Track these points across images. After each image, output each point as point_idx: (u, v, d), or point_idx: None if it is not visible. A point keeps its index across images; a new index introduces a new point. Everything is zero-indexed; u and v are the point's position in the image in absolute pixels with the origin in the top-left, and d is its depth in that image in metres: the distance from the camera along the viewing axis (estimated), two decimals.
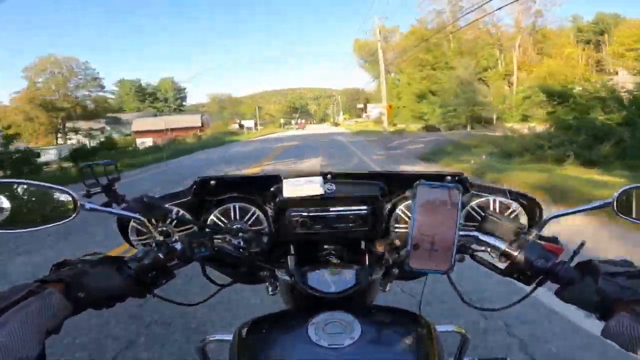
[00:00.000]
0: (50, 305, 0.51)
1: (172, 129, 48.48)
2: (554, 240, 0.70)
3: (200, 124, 54.40)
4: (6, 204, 0.65)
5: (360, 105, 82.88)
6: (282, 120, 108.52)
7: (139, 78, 76.25)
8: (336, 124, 77.75)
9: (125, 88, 68.94)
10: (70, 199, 0.66)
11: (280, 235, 0.92)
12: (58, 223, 0.66)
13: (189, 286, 1.99)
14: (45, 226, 0.66)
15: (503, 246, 0.71)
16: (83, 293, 0.58)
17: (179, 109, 72.28)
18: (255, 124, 78.00)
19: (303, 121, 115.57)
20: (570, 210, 0.72)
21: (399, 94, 43.45)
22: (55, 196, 0.67)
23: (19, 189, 0.67)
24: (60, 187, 0.67)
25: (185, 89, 76.49)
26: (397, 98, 42.60)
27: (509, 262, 0.70)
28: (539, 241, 0.70)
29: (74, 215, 0.66)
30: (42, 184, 0.67)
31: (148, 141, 40.21)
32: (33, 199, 0.68)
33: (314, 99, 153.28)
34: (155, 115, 60.51)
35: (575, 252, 0.65)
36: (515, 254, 0.69)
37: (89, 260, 0.63)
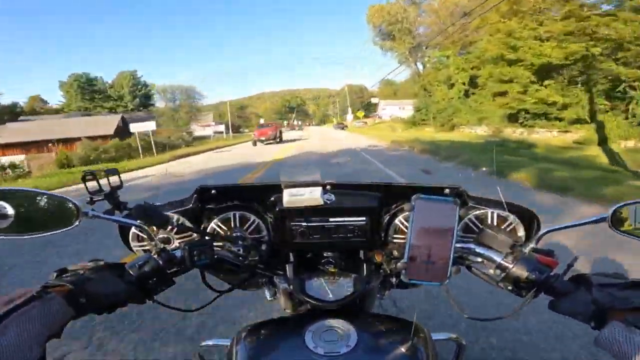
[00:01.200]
0: (51, 310, 0.52)
1: (66, 139, 30.99)
2: (549, 253, 0.71)
3: (114, 129, 33.41)
4: (10, 210, 0.65)
5: (376, 100, 73.78)
6: (285, 123, 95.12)
7: (87, 72, 59.62)
8: (342, 126, 63.50)
9: (71, 85, 54.07)
10: (73, 206, 0.67)
11: (280, 244, 0.93)
12: (60, 230, 0.67)
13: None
14: (48, 233, 0.67)
15: (499, 259, 0.72)
16: (84, 298, 0.59)
17: (140, 109, 54.28)
18: (228, 128, 55.21)
19: (299, 122, 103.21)
20: (565, 225, 0.73)
21: (448, 79, 31.26)
22: (58, 204, 0.68)
23: (22, 197, 0.68)
24: (62, 196, 0.68)
25: (147, 86, 57.87)
26: (447, 85, 31.32)
27: (504, 274, 0.70)
28: (534, 254, 0.70)
29: (76, 223, 0.67)
30: (45, 192, 0.68)
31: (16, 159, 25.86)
32: (36, 206, 0.69)
33: (312, 99, 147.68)
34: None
35: (570, 265, 0.66)
36: (511, 266, 0.69)
37: (90, 267, 0.64)
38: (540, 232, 0.75)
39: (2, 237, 0.66)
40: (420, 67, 42.43)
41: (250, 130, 68.49)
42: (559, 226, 0.73)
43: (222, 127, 55.69)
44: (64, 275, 0.62)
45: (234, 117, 70.02)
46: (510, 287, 0.71)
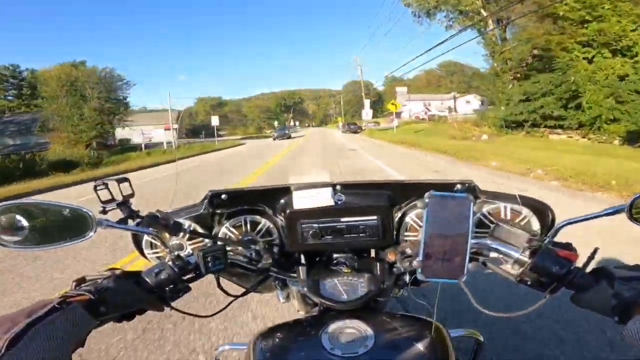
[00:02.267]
0: (74, 320, 0.53)
1: None
2: (568, 246, 0.70)
3: None
4: (25, 223, 0.66)
5: (403, 89, 58.00)
6: (275, 124, 77.13)
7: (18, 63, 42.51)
8: (355, 127, 43.86)
9: None
10: (87, 217, 0.67)
11: (292, 246, 0.93)
12: (76, 241, 0.68)
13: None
14: (64, 244, 0.68)
15: (516, 254, 0.71)
16: (105, 307, 0.59)
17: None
18: (178, 131, 41.06)
19: (295, 123, 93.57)
20: (583, 217, 0.71)
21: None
22: (72, 215, 0.69)
23: (37, 209, 0.69)
24: (77, 207, 0.68)
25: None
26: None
27: (522, 269, 0.70)
28: (553, 248, 0.69)
29: (91, 234, 0.67)
30: (60, 203, 0.68)
31: None
32: (51, 218, 0.69)
33: (312, 99, 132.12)
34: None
35: (590, 258, 0.65)
36: (529, 260, 0.68)
37: (108, 276, 0.65)
38: (558, 225, 0.74)
39: (18, 249, 0.67)
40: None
41: (229, 133, 69.62)
42: (576, 219, 0.72)
43: (161, 134, 36.49)
44: (83, 285, 0.62)
45: (207, 117, 53.03)
46: (529, 282, 0.69)
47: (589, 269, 0.66)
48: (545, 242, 0.71)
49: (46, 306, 0.52)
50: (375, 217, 0.90)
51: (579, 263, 0.67)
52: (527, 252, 0.70)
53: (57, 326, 0.50)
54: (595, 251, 0.65)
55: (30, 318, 0.49)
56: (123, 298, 0.63)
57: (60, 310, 0.52)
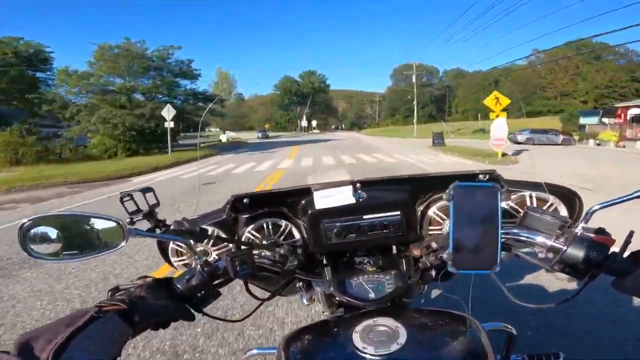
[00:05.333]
0: (112, 330, 0.53)
1: None
2: (602, 231, 0.68)
3: None
4: (57, 235, 0.67)
5: None
6: (266, 127, 62.91)
7: None
8: (440, 140, 23.34)
9: None
10: (118, 227, 0.68)
11: (315, 247, 0.93)
12: (109, 251, 0.69)
13: None
14: (97, 255, 0.69)
15: (549, 241, 0.70)
16: (139, 316, 0.60)
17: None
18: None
19: (312, 125, 67.78)
20: (614, 200, 0.69)
21: None
22: (103, 225, 0.70)
23: (69, 221, 0.70)
24: (109, 217, 0.69)
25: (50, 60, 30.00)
26: None
27: (557, 257, 0.68)
28: (588, 234, 0.68)
29: (124, 243, 0.68)
30: (91, 214, 0.70)
31: None
32: (83, 229, 0.70)
33: (341, 98, 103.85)
34: None
35: (627, 242, 0.63)
36: (565, 248, 0.67)
37: (141, 284, 0.66)
38: (590, 210, 0.71)
39: (52, 261, 0.68)
40: None
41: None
42: (608, 202, 0.69)
43: None
44: (117, 295, 0.63)
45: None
46: (567, 270, 0.68)
47: (626, 253, 0.64)
48: (579, 227, 0.69)
49: (84, 316, 0.52)
50: (397, 213, 0.89)
51: (615, 247, 0.65)
52: (561, 239, 0.69)
53: (96, 336, 0.51)
54: (631, 234, 0.63)
55: (70, 328, 0.49)
56: (156, 306, 0.64)
57: (98, 320, 0.53)
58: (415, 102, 50.56)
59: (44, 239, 0.67)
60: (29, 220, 0.66)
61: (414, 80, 54.71)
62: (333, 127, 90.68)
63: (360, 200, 0.89)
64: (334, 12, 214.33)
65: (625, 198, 0.68)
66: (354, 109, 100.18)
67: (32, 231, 0.66)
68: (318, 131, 73.26)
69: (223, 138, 43.13)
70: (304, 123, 72.42)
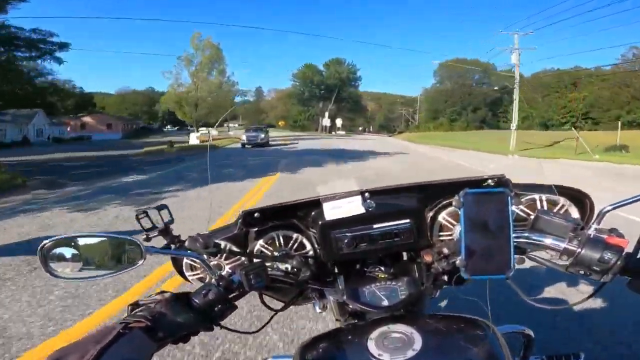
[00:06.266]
0: (138, 345, 0.55)
1: None
2: (615, 232, 0.68)
3: None
4: (76, 254, 0.70)
5: None
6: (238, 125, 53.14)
7: None
8: None
9: None
10: (136, 246, 0.71)
11: (327, 257, 0.94)
12: (127, 269, 0.71)
13: None
14: (116, 273, 0.72)
15: (563, 244, 0.70)
16: (162, 332, 0.62)
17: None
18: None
19: (335, 126, 54.00)
20: (627, 201, 0.69)
21: None
22: (122, 244, 0.72)
23: (88, 241, 0.73)
24: (126, 237, 0.72)
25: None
26: None
27: (571, 259, 0.68)
28: (601, 235, 0.67)
29: (142, 262, 0.70)
30: (109, 234, 0.72)
31: None
32: (102, 248, 0.73)
33: (369, 100, 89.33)
34: None
35: None
36: (579, 250, 0.67)
37: (160, 300, 0.67)
38: (602, 211, 0.71)
39: (71, 280, 0.71)
40: None
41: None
42: (620, 202, 0.69)
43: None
44: (137, 311, 0.65)
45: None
46: (582, 272, 0.68)
47: None
48: (591, 229, 0.69)
49: (111, 332, 0.54)
50: (407, 220, 0.90)
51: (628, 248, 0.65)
52: (575, 242, 0.68)
53: (124, 352, 0.52)
54: None
55: (100, 345, 0.51)
56: (177, 321, 0.65)
57: (124, 336, 0.54)
58: (516, 95, 29.79)
59: (64, 258, 0.70)
60: (49, 242, 0.69)
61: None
62: (360, 128, 78.07)
63: (370, 209, 0.90)
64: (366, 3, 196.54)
65: (636, 198, 0.68)
66: (383, 110, 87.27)
67: (53, 252, 0.69)
68: (343, 132, 58.14)
69: (192, 138, 30.79)
70: (326, 122, 54.36)
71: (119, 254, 0.72)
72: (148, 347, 0.57)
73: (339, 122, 57.66)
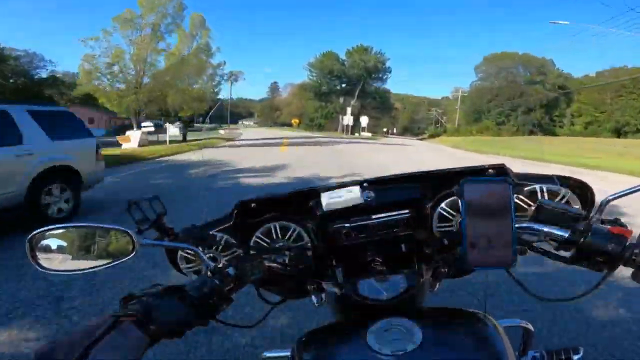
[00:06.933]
0: (130, 339, 0.53)
1: None
2: (618, 222, 0.67)
3: None
4: (64, 246, 0.69)
5: None
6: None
7: None
8: None
9: None
10: (128, 237, 0.68)
11: (325, 248, 0.93)
12: (119, 261, 0.69)
13: None
14: (107, 265, 0.69)
15: (565, 234, 0.68)
16: (155, 325, 0.60)
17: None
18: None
19: (360, 125, 44.31)
20: (628, 190, 0.68)
21: None
22: (112, 236, 0.71)
23: (77, 232, 0.71)
24: (118, 227, 0.70)
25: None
26: None
27: (574, 249, 0.67)
28: (604, 225, 0.67)
29: (134, 253, 0.68)
30: (100, 225, 0.70)
31: None
32: (91, 240, 0.71)
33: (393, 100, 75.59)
34: None
35: None
36: (582, 240, 0.66)
37: (154, 292, 0.65)
38: (603, 201, 0.70)
39: (59, 273, 0.69)
40: None
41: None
42: (621, 192, 0.69)
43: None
44: (130, 303, 0.63)
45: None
46: (584, 263, 0.67)
47: None
48: (594, 220, 0.68)
49: (102, 326, 0.52)
50: (407, 211, 0.89)
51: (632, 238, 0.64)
52: (577, 232, 0.67)
53: (115, 347, 0.50)
54: None
55: (90, 339, 0.49)
56: (171, 314, 0.63)
57: (116, 330, 0.53)
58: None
59: (53, 250, 0.68)
60: (38, 232, 0.67)
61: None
62: (385, 129, 66.37)
63: (369, 200, 0.89)
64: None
65: (637, 188, 0.67)
66: (408, 111, 79.13)
67: (41, 243, 0.67)
68: (369, 134, 45.55)
69: (134, 138, 21.88)
70: (348, 120, 42.85)
71: (110, 245, 0.71)
72: (141, 341, 0.55)
73: (364, 120, 45.80)
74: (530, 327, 0.93)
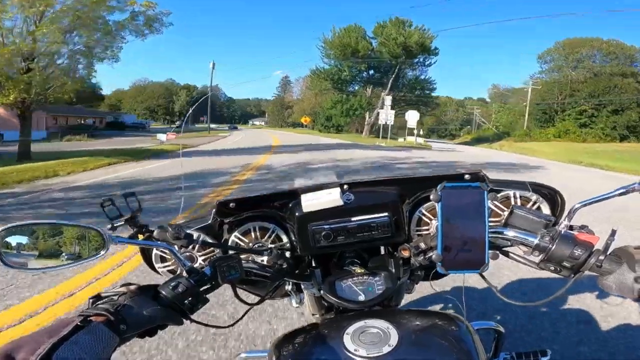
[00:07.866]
0: (99, 338, 0.52)
1: None
2: (585, 229, 0.69)
3: None
4: (34, 243, 0.66)
5: None
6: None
7: None
8: None
9: None
10: (98, 235, 0.67)
11: (304, 250, 0.92)
12: (89, 259, 0.68)
13: None
14: (76, 264, 0.68)
15: (535, 240, 0.70)
16: (125, 325, 0.59)
17: None
18: None
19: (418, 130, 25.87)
20: (597, 197, 0.71)
21: None
22: (84, 233, 0.69)
23: (46, 229, 0.69)
24: (88, 225, 0.68)
25: None
26: None
27: (543, 255, 0.69)
28: (572, 232, 0.69)
29: (105, 252, 0.67)
30: (69, 222, 0.68)
31: None
32: (62, 237, 0.69)
33: None
34: None
35: (610, 240, 0.65)
36: (550, 246, 0.68)
37: (124, 292, 0.64)
38: (573, 208, 0.73)
39: (27, 271, 0.67)
40: None
41: None
42: (590, 199, 0.71)
43: None
44: (99, 303, 0.62)
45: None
46: (552, 268, 0.69)
47: (609, 251, 0.66)
48: (562, 226, 0.70)
49: (68, 325, 0.51)
50: (385, 214, 0.89)
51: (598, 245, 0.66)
52: (547, 238, 0.69)
53: (82, 346, 0.49)
54: (613, 233, 0.65)
55: (54, 338, 0.48)
56: (142, 314, 0.62)
57: (84, 329, 0.51)
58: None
59: (20, 247, 0.66)
60: (3, 229, 0.65)
61: None
62: (449, 134, 60.49)
63: (348, 202, 0.89)
64: None
65: (606, 195, 0.69)
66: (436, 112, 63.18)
67: (7, 240, 0.65)
68: (422, 140, 32.09)
69: (162, 138, 18.49)
70: (385, 118, 28.33)
71: (80, 243, 0.69)
72: (110, 341, 0.54)
73: (412, 117, 29.38)
74: (501, 329, 0.95)
